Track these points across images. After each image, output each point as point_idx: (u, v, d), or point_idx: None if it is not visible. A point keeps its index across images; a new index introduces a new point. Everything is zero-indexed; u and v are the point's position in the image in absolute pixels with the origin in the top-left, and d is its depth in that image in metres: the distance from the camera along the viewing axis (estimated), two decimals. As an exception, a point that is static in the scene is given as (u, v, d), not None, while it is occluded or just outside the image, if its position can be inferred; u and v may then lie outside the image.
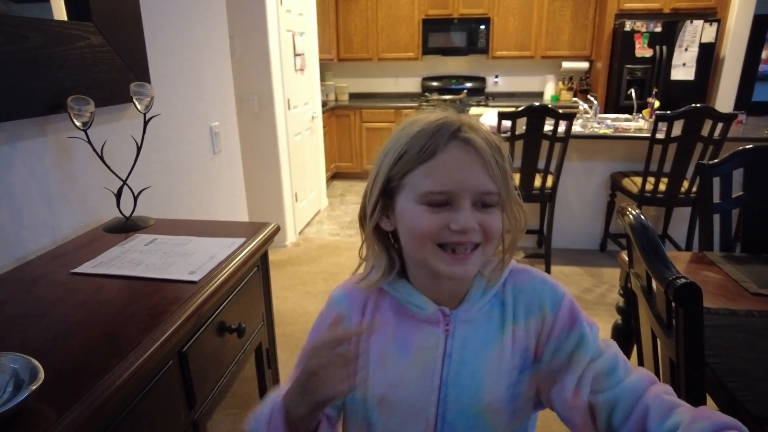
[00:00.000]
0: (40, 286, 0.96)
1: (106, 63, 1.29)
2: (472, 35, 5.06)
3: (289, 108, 3.53)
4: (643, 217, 0.99)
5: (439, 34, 5.14)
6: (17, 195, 1.09)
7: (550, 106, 2.82)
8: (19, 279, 1.00)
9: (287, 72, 3.47)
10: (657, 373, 1.08)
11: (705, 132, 2.66)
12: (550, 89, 5.29)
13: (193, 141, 1.82)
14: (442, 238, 0.61)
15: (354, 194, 5.04)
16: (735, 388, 0.87)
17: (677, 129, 2.68)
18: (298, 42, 3.69)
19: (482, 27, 5.02)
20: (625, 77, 4.43)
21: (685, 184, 2.84)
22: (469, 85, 5.41)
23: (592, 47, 4.93)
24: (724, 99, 4.36)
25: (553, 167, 2.95)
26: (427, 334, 0.67)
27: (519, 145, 2.83)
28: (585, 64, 5.05)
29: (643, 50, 4.34)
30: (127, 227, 1.26)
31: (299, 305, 2.76)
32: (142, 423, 0.78)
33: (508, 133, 2.81)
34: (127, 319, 0.84)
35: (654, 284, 0.96)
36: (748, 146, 1.58)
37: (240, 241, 1.16)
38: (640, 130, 3.11)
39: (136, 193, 1.31)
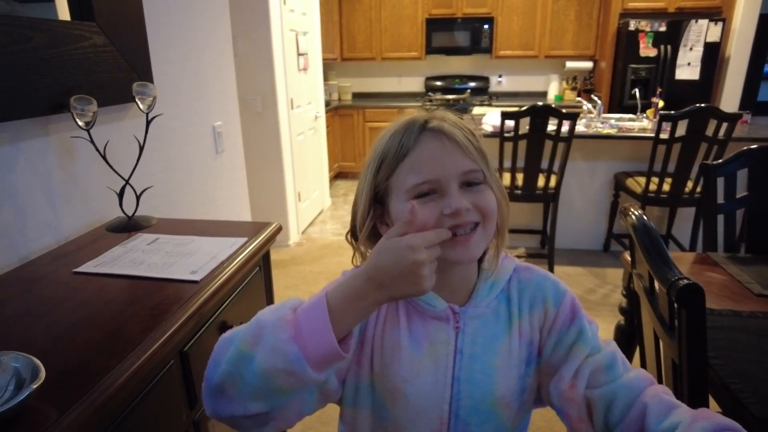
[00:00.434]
0: (42, 286, 0.97)
1: (108, 63, 1.29)
2: (475, 35, 5.05)
3: (292, 108, 3.54)
4: (645, 217, 0.98)
5: (443, 33, 5.13)
6: (20, 194, 1.10)
7: (553, 105, 2.81)
8: (22, 278, 1.00)
9: (290, 72, 3.48)
10: (659, 375, 1.07)
11: (709, 132, 2.65)
12: (553, 89, 5.28)
13: (196, 141, 1.83)
14: (441, 226, 0.61)
15: (357, 194, 5.03)
16: (738, 390, 0.86)
17: (681, 129, 2.66)
18: (302, 41, 3.69)
19: (486, 26, 5.00)
20: (629, 77, 4.42)
21: (689, 184, 2.83)
22: (472, 84, 5.40)
23: (596, 47, 4.91)
24: (729, 99, 4.34)
25: (556, 167, 2.94)
26: (437, 330, 0.67)
27: (522, 145, 2.82)
28: (589, 64, 5.03)
29: (647, 50, 4.33)
30: (129, 227, 1.26)
31: (302, 305, 2.76)
32: (143, 422, 0.78)
33: (512, 133, 2.80)
34: (129, 319, 0.84)
35: (656, 285, 0.95)
36: (752, 146, 1.57)
37: (242, 240, 1.16)
38: (644, 130, 3.09)
39: (138, 193, 1.31)
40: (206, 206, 1.90)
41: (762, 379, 0.89)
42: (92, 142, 1.18)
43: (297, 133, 3.68)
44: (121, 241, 1.18)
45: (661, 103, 3.35)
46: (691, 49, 4.26)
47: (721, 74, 4.38)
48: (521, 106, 2.73)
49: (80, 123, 1.14)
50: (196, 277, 0.97)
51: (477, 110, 4.16)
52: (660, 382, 1.07)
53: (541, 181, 2.94)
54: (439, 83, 5.47)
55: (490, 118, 3.10)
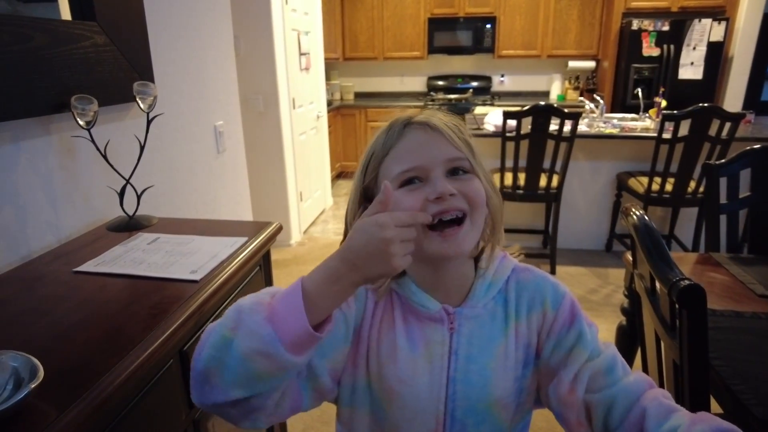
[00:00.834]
0: (43, 285, 0.97)
1: (109, 62, 1.30)
2: (478, 34, 5.05)
3: (294, 107, 3.54)
4: (647, 217, 0.98)
5: (445, 33, 5.12)
6: (21, 194, 1.10)
7: (556, 105, 2.81)
8: (23, 277, 1.00)
9: (292, 71, 3.48)
10: (661, 375, 1.07)
11: (712, 132, 2.64)
12: (556, 88, 5.27)
13: (197, 140, 1.83)
14: (428, 212, 0.61)
15: (359, 193, 5.03)
16: (740, 392, 0.86)
17: (684, 129, 2.66)
18: (304, 41, 3.69)
19: (488, 26, 5.00)
20: (632, 76, 4.40)
21: (692, 184, 2.82)
22: (474, 84, 5.39)
23: (598, 46, 4.90)
24: (733, 98, 4.32)
25: (558, 167, 2.93)
26: (433, 331, 0.67)
27: (525, 144, 2.82)
28: (591, 64, 5.02)
29: (650, 49, 4.31)
30: (130, 226, 1.26)
31: (303, 304, 2.76)
32: (142, 422, 0.78)
33: (514, 133, 2.80)
34: (129, 318, 0.84)
35: (658, 285, 0.95)
36: (756, 146, 1.57)
37: (242, 240, 1.16)
38: (647, 129, 3.08)
39: (139, 192, 1.31)
40: (207, 206, 1.90)
41: (764, 381, 0.89)
42: (93, 141, 1.19)
43: (299, 132, 3.68)
44: (121, 240, 1.18)
45: (663, 103, 3.33)
46: (694, 48, 4.24)
47: (724, 74, 4.36)
48: (523, 106, 2.72)
49: (81, 122, 1.14)
50: (196, 277, 0.97)
51: (479, 110, 4.15)
52: (661, 382, 1.06)
53: (543, 181, 2.93)
54: (441, 83, 5.46)
55: (492, 117, 3.10)
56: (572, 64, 5.02)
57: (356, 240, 0.54)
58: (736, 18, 4.26)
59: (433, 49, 5.19)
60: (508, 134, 2.82)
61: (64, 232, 1.21)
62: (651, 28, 4.26)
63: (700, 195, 2.80)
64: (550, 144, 2.82)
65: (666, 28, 4.24)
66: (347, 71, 5.62)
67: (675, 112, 2.61)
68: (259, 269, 1.23)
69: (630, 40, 4.33)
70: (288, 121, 3.45)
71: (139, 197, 1.31)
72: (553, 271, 3.07)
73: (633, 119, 3.46)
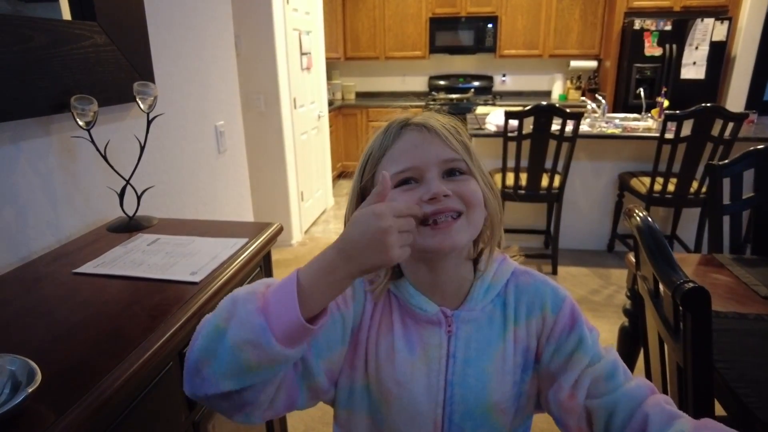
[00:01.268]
0: (42, 286, 0.96)
1: (110, 62, 1.29)
2: (479, 34, 5.04)
3: (295, 107, 3.53)
4: (650, 219, 0.97)
5: (447, 32, 5.11)
6: (21, 194, 1.09)
7: (558, 105, 2.80)
8: (23, 278, 1.00)
9: (293, 71, 3.47)
10: (664, 378, 1.06)
11: (715, 132, 2.63)
12: (558, 88, 5.26)
13: (198, 140, 1.82)
14: (421, 213, 0.61)
15: (360, 193, 5.03)
16: (744, 395, 0.85)
17: (687, 129, 2.64)
18: (305, 41, 3.69)
19: (490, 25, 4.99)
20: (634, 76, 4.39)
21: (695, 184, 2.81)
22: (476, 83, 5.38)
23: (600, 46, 4.89)
24: (735, 98, 4.31)
25: (560, 167, 2.93)
26: (431, 334, 0.66)
27: (526, 144, 2.81)
28: (593, 63, 5.01)
29: (652, 49, 4.30)
30: (130, 227, 1.26)
31: (304, 304, 2.75)
32: (141, 424, 0.78)
33: (515, 133, 2.79)
34: (128, 320, 0.84)
35: (661, 287, 0.94)
36: (759, 146, 1.56)
37: (242, 241, 1.16)
38: (649, 129, 3.07)
39: (139, 193, 1.31)
40: (208, 206, 1.89)
41: (768, 384, 0.88)
42: (93, 142, 1.18)
43: (300, 132, 3.68)
44: (121, 241, 1.17)
45: (666, 103, 3.32)
46: (696, 48, 4.23)
47: (727, 73, 4.35)
48: (525, 106, 2.72)
49: (81, 123, 1.14)
50: (196, 278, 0.97)
51: (481, 110, 4.14)
52: (665, 385, 1.06)
53: (544, 181, 2.92)
54: (442, 82, 5.45)
55: (493, 117, 3.09)
56: (574, 63, 5.01)
57: (353, 230, 0.54)
58: (739, 17, 4.25)
59: (434, 49, 5.18)
60: (509, 134, 2.81)
61: (63, 232, 1.20)
62: (653, 28, 4.25)
63: (703, 195, 2.79)
64: (552, 144, 2.81)
65: (668, 27, 4.22)
66: (348, 71, 5.61)
67: (677, 112, 2.60)
68: (259, 270, 1.23)
69: (632, 40, 4.32)
70: (289, 120, 3.44)
71: (139, 198, 1.31)
72: (554, 272, 3.06)
73: (635, 119, 3.45)
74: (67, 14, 1.20)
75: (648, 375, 1.18)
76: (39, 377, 0.62)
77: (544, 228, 3.41)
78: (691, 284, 0.79)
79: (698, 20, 4.16)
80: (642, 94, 3.58)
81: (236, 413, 0.56)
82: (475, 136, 3.08)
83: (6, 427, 0.59)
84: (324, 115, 4.27)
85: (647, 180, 2.88)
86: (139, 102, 1.28)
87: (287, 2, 3.30)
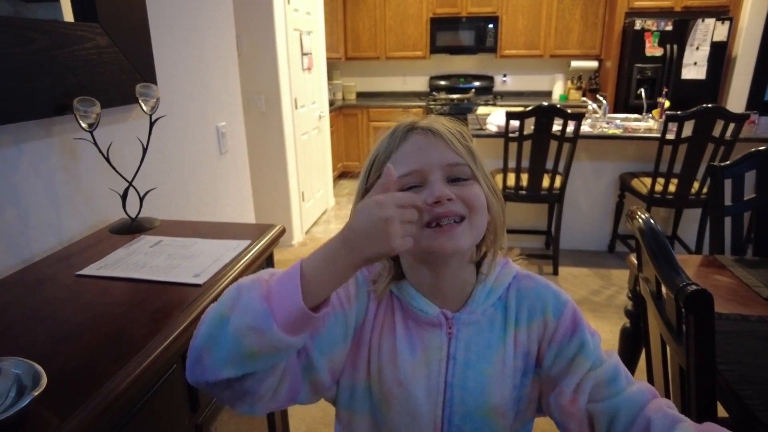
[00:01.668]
0: (45, 288, 0.96)
1: (112, 64, 1.29)
2: (480, 34, 5.03)
3: (296, 107, 3.53)
4: (652, 221, 0.97)
5: (448, 32, 5.11)
6: (23, 196, 1.09)
7: (558, 105, 2.80)
8: (25, 280, 1.00)
9: (294, 71, 3.47)
10: (666, 380, 1.06)
11: (716, 132, 2.63)
12: (558, 88, 5.25)
13: (200, 141, 1.82)
14: (424, 216, 0.61)
15: (361, 193, 5.03)
16: (747, 397, 0.85)
17: (688, 129, 2.64)
18: (306, 41, 3.68)
19: (491, 26, 4.99)
20: (635, 76, 4.39)
21: (696, 185, 2.81)
22: (477, 84, 5.38)
23: (601, 46, 4.88)
24: (736, 99, 4.31)
25: (561, 167, 2.93)
26: (432, 336, 0.66)
27: (527, 145, 2.81)
28: (594, 63, 5.00)
29: (653, 49, 4.30)
30: (132, 228, 1.26)
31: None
32: (145, 427, 0.78)
33: (516, 133, 2.79)
34: (131, 322, 0.84)
35: (663, 289, 0.94)
36: (761, 148, 1.56)
37: (245, 243, 1.16)
38: (650, 130, 3.07)
39: (141, 195, 1.31)
40: (210, 207, 1.89)
41: (771, 386, 0.88)
42: (95, 143, 1.18)
43: (301, 132, 3.68)
44: (124, 243, 1.17)
45: (667, 103, 3.32)
46: (697, 48, 4.23)
47: (728, 74, 4.35)
48: (526, 106, 2.72)
49: (83, 125, 1.14)
50: (199, 281, 0.97)
51: (481, 110, 4.14)
52: (667, 386, 1.06)
53: (545, 182, 2.92)
54: (443, 83, 5.45)
55: (494, 118, 3.09)
56: (575, 64, 5.01)
57: (356, 220, 0.54)
58: (740, 18, 4.25)
59: (435, 49, 5.18)
60: (510, 135, 2.81)
61: (66, 234, 1.20)
62: (654, 28, 4.25)
63: (704, 196, 2.79)
64: (553, 144, 2.81)
65: (669, 27, 4.22)
66: (349, 71, 5.61)
67: (678, 112, 2.60)
68: (261, 272, 1.22)
69: (633, 40, 4.32)
70: (290, 121, 3.44)
71: (141, 199, 1.31)
72: (555, 272, 3.06)
73: (636, 120, 3.45)
74: (68, 15, 1.20)
75: (650, 376, 1.18)
76: (44, 381, 0.62)
77: (545, 228, 3.41)
78: (694, 287, 0.79)
79: (699, 20, 4.15)
80: (643, 94, 3.58)
81: (238, 402, 0.57)
82: (476, 136, 3.08)
83: (11, 431, 0.59)
84: (325, 115, 4.27)
85: (648, 180, 2.88)
86: (142, 104, 1.28)
87: (288, 3, 3.30)
